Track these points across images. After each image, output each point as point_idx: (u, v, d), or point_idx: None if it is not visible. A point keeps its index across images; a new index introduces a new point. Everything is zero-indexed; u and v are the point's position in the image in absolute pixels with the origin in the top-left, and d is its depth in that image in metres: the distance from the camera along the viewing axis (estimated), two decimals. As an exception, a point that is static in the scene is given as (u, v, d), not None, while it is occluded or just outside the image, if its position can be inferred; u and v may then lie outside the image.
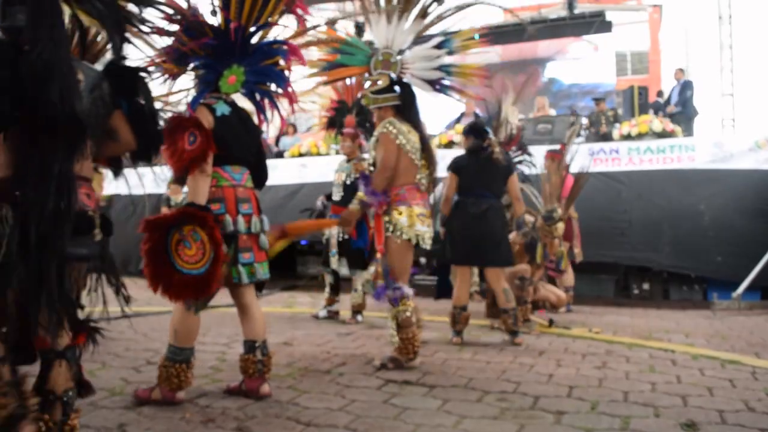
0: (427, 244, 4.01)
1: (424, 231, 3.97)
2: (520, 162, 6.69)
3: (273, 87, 3.41)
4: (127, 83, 2.27)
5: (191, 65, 3.23)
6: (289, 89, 3.40)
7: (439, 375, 3.74)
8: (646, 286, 8.43)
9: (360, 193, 4.07)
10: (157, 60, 3.09)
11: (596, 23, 15.02)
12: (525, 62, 16.85)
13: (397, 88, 4.10)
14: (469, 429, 2.74)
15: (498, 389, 3.41)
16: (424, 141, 4.11)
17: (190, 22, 3.06)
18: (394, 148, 3.92)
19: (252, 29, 3.19)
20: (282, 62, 3.37)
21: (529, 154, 6.76)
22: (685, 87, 11.14)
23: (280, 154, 10.92)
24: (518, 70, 16.87)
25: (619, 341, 4.96)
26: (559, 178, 5.46)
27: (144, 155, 2.46)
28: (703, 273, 7.90)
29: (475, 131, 5.14)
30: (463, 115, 11.48)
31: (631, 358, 4.28)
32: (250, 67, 3.27)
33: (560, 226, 5.31)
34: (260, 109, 3.43)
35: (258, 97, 3.40)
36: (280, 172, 9.25)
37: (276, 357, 4.14)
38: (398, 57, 4.14)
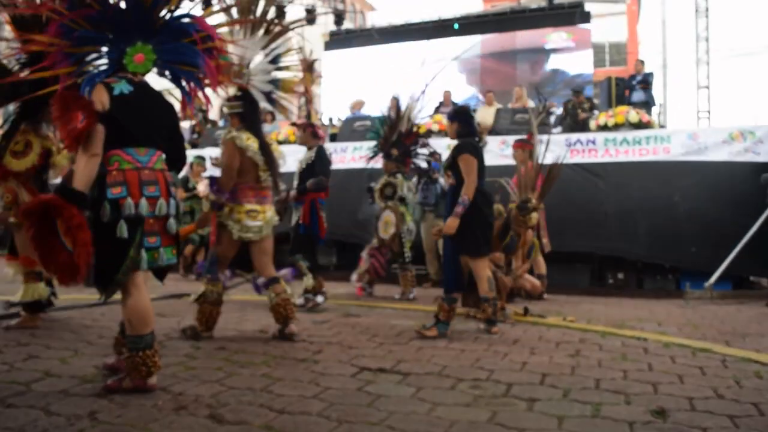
0: (254, 237, 4.42)
1: (252, 225, 4.41)
2: (417, 155, 7.10)
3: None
4: None
5: (85, 42, 3.10)
6: (207, 68, 3.28)
7: (413, 363, 3.75)
8: (620, 275, 8.54)
9: (210, 194, 4.42)
10: (47, 38, 3.00)
11: (576, 14, 15.11)
12: (504, 53, 16.87)
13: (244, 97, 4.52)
14: (442, 416, 2.75)
15: (471, 377, 3.43)
16: (263, 146, 4.43)
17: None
18: (234, 153, 4.33)
19: (151, 3, 3.11)
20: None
21: (431, 148, 7.21)
22: (646, 79, 11.19)
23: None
24: (498, 60, 16.92)
25: (592, 330, 5.02)
26: (533, 168, 5.48)
27: None
28: (677, 263, 8.03)
29: (463, 115, 5.03)
30: (441, 104, 11.50)
31: (604, 346, 4.33)
32: (160, 45, 3.20)
33: (534, 216, 5.34)
34: (182, 90, 3.34)
35: (181, 77, 3.31)
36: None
37: (252, 345, 4.18)
38: (248, 69, 4.53)
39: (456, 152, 4.78)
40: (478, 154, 4.77)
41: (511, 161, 7.39)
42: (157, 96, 3.26)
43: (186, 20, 3.26)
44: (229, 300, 6.48)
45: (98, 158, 2.92)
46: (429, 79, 7.24)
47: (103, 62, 3.18)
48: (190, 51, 3.23)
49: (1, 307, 5.16)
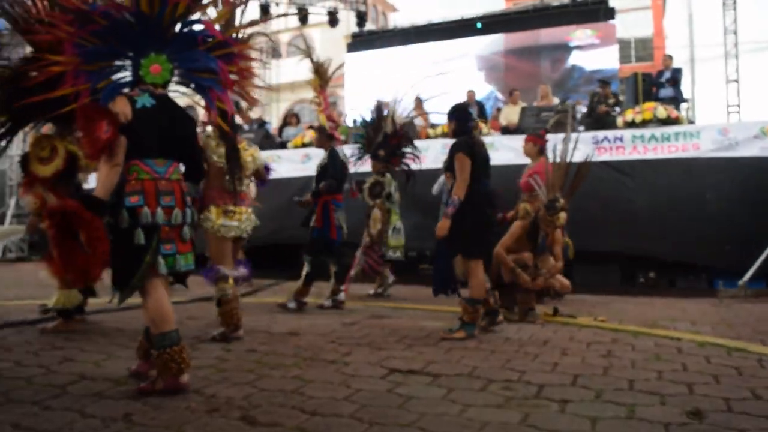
0: (230, 234, 4.62)
1: (231, 224, 4.62)
2: (404, 155, 7.18)
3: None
4: None
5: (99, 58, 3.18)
6: (221, 72, 3.33)
7: (443, 364, 3.74)
8: (651, 274, 8.42)
9: None
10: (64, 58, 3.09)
11: (600, 10, 14.96)
12: (524, 50, 16.74)
13: None
14: (473, 417, 2.74)
15: (502, 378, 3.40)
16: (231, 151, 4.22)
17: (74, 11, 3.08)
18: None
19: (158, 14, 3.17)
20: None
21: (415, 147, 7.27)
22: (674, 76, 11.00)
23: (283, 145, 10.92)
24: (518, 57, 16.79)
25: (624, 330, 4.95)
26: (562, 166, 5.43)
27: None
28: (709, 262, 7.89)
29: (460, 113, 4.96)
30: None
31: (636, 347, 4.28)
32: (175, 54, 3.28)
33: (562, 216, 5.28)
34: (206, 99, 3.40)
35: (201, 84, 3.37)
36: (283, 164, 9.27)
37: (281, 347, 4.20)
38: None
39: (451, 151, 4.74)
40: (475, 153, 4.68)
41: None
42: (177, 109, 3.34)
43: (196, 27, 3.34)
44: (260, 302, 6.59)
45: (119, 168, 3.03)
46: (415, 81, 7.43)
47: (124, 75, 3.26)
48: (204, 57, 3.31)
49: (37, 311, 5.27)
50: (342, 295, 6.24)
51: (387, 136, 7.13)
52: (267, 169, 5.16)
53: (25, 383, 3.25)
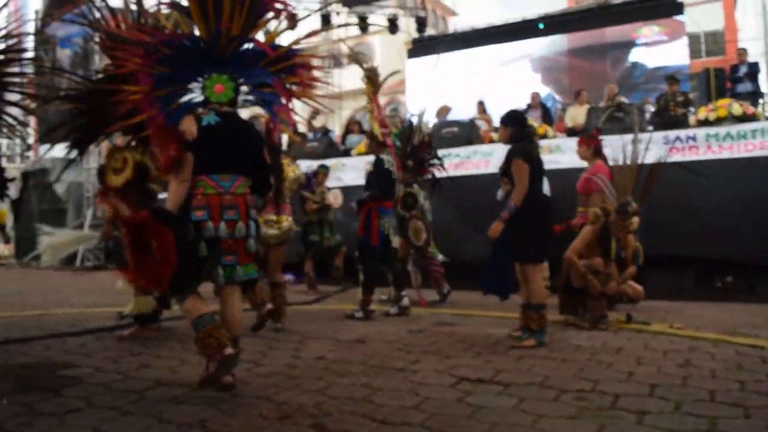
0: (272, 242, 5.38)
1: (271, 233, 5.33)
2: (432, 165, 7.04)
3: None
4: None
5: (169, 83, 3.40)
6: (278, 86, 3.50)
7: (513, 373, 3.67)
8: (729, 278, 8.07)
9: None
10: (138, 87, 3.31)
11: (667, 5, 14.50)
12: (592, 48, 16.40)
13: None
14: (546, 429, 2.68)
15: (575, 387, 3.32)
16: (275, 165, 4.26)
17: (141, 44, 3.33)
18: None
19: (215, 37, 3.37)
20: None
21: (439, 158, 7.16)
22: (752, 70, 10.51)
23: (346, 152, 10.99)
24: (585, 56, 16.46)
25: (702, 337, 4.76)
26: (633, 168, 5.28)
27: None
28: (792, 265, 7.50)
29: (517, 119, 4.91)
30: (530, 106, 11.30)
31: (716, 355, 4.10)
32: (235, 73, 3.44)
33: (635, 220, 5.13)
34: (270, 113, 3.56)
35: (267, 100, 3.53)
36: (347, 171, 9.32)
37: (349, 354, 4.22)
38: None
39: (509, 157, 4.69)
40: (532, 159, 4.62)
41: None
42: (243, 126, 3.50)
43: (250, 46, 3.50)
44: (326, 309, 6.65)
45: (187, 183, 3.23)
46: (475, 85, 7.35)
47: (194, 96, 3.45)
48: (261, 73, 3.47)
49: (114, 318, 5.47)
50: (406, 300, 6.24)
51: (414, 146, 7.08)
52: (309, 180, 5.44)
53: (104, 389, 3.37)
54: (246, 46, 3.51)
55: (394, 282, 6.36)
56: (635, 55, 15.88)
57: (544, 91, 16.49)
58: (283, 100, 3.56)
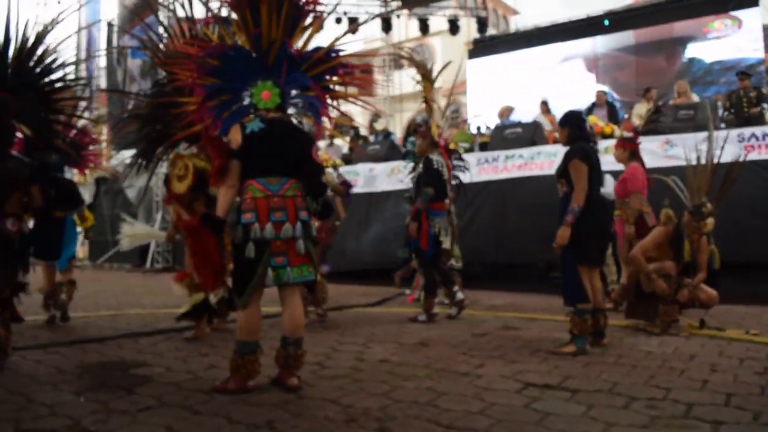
0: None
1: None
2: (454, 167, 6.80)
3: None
4: None
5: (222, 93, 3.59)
6: (315, 88, 3.60)
7: (581, 379, 3.59)
8: (810, 282, 7.64)
9: None
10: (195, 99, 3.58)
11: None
12: (661, 43, 15.91)
13: None
14: (618, 437, 2.61)
15: (646, 395, 3.22)
16: None
17: (193, 58, 3.52)
18: None
19: (267, 46, 3.53)
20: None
21: (462, 160, 7.00)
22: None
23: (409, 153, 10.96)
24: (653, 51, 15.97)
25: (781, 344, 4.54)
26: (708, 168, 5.08)
27: None
28: None
29: (573, 119, 4.81)
30: (595, 105, 11.04)
31: (797, 364, 3.91)
32: (279, 79, 3.54)
33: (710, 222, 4.93)
34: (314, 115, 3.68)
35: (310, 103, 3.66)
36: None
37: (413, 357, 4.22)
38: None
39: (566, 158, 4.57)
40: (590, 160, 4.50)
41: (677, 162, 6.91)
42: (288, 129, 3.58)
43: (289, 52, 3.61)
44: (388, 312, 6.66)
45: (234, 189, 3.38)
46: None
47: (242, 105, 3.61)
48: (301, 77, 3.59)
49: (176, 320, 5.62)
50: (460, 295, 6.13)
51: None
52: (347, 186, 5.93)
53: (175, 388, 3.47)
54: (287, 51, 3.60)
55: (443, 282, 6.25)
56: (697, 50, 15.36)
57: (592, 89, 16.14)
58: (323, 102, 3.68)
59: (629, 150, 6.06)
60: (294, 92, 3.66)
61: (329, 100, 3.76)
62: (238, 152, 3.36)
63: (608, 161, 7.91)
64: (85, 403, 3.16)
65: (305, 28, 3.67)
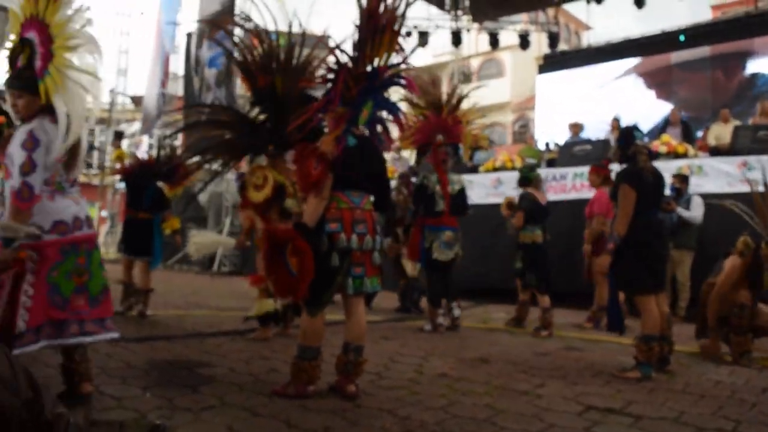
0: None
1: None
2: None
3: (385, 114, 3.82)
4: None
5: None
6: (400, 116, 3.84)
7: (645, 405, 3.48)
8: None
9: None
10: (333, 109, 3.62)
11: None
12: (734, 54, 15.31)
13: None
14: (682, 468, 2.52)
15: (714, 426, 3.10)
16: None
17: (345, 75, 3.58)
18: None
19: (383, 67, 3.63)
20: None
21: None
22: None
23: (474, 169, 10.92)
24: (725, 64, 15.41)
25: None
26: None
27: None
28: None
29: (624, 137, 4.60)
30: (668, 123, 10.74)
31: None
32: (376, 101, 3.66)
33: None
34: (375, 135, 3.78)
35: (374, 123, 3.77)
36: (474, 189, 9.23)
37: (472, 373, 4.19)
38: None
39: (616, 181, 4.46)
40: (642, 183, 4.32)
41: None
42: (373, 147, 3.72)
43: (395, 79, 3.75)
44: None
45: (326, 201, 3.44)
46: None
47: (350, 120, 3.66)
48: (392, 105, 3.76)
49: (243, 321, 5.76)
50: (457, 311, 6.30)
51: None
52: None
53: (237, 389, 3.56)
54: (388, 76, 3.72)
55: (447, 294, 6.39)
56: (756, 66, 14.82)
57: (661, 106, 15.66)
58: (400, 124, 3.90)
59: (602, 175, 6.55)
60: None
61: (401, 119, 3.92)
62: (333, 164, 3.44)
63: (694, 183, 7.73)
64: (151, 398, 3.27)
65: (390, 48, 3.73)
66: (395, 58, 3.69)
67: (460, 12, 17.86)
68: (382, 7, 3.52)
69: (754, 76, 14.99)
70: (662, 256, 4.55)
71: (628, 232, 4.31)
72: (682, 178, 7.64)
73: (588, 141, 10.36)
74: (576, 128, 11.50)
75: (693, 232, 7.50)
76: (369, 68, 3.60)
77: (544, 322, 6.15)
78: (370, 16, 3.52)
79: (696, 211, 7.43)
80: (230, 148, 5.21)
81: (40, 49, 2.98)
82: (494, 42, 18.38)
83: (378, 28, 3.52)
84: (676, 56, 15.97)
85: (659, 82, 16.36)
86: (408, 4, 3.61)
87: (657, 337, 4.27)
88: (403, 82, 3.78)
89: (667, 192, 6.76)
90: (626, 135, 4.60)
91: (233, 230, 14.26)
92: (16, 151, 2.87)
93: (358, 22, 3.56)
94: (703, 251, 7.31)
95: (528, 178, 6.67)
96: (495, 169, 10.26)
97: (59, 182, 3.06)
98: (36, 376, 2.18)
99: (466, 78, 22.01)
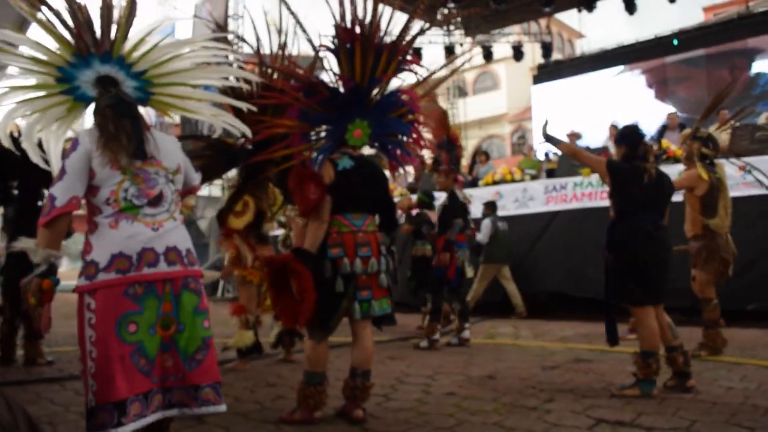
0: None
1: None
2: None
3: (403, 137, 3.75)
4: None
5: (317, 123, 3.65)
6: (414, 136, 3.74)
7: (656, 416, 3.43)
8: None
9: None
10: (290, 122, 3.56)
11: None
12: (733, 53, 15.33)
13: None
14: (697, 481, 2.47)
15: (728, 435, 3.05)
16: None
17: (307, 84, 3.53)
18: None
19: (367, 85, 3.53)
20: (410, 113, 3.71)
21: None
22: None
23: (474, 183, 10.92)
24: (723, 63, 15.44)
25: None
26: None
27: None
28: None
29: (628, 137, 4.26)
30: (666, 127, 10.74)
31: None
32: (374, 120, 3.60)
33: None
34: (393, 159, 3.77)
35: (390, 147, 3.74)
36: (475, 202, 9.20)
37: (480, 391, 4.14)
38: None
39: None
40: (641, 183, 4.08)
41: (756, 190, 6.63)
42: (372, 167, 3.68)
43: (395, 97, 3.66)
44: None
45: (326, 224, 3.40)
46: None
47: (328, 138, 3.65)
48: (397, 124, 3.67)
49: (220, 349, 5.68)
50: (467, 333, 6.34)
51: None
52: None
53: (243, 418, 3.53)
54: (385, 94, 3.67)
55: (460, 313, 6.49)
56: (761, 65, 14.87)
57: (660, 107, 15.68)
58: (409, 150, 3.80)
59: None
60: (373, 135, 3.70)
61: (413, 144, 3.83)
62: (330, 187, 3.41)
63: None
64: None
65: (397, 73, 3.71)
66: (393, 78, 3.66)
67: (452, 27, 17.96)
68: (357, 26, 3.47)
69: (758, 75, 15.01)
70: (656, 265, 4.08)
71: (610, 236, 4.13)
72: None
73: (586, 149, 10.32)
74: (574, 137, 11.49)
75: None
76: (351, 85, 3.52)
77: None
78: (345, 32, 3.49)
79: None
80: (208, 170, 5.13)
81: None
82: (488, 55, 18.45)
83: (364, 45, 3.47)
84: (686, 58, 16.01)
85: (669, 84, 16.39)
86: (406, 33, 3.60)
87: (656, 353, 4.02)
88: (404, 98, 3.65)
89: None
90: (632, 133, 4.28)
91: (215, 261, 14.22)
92: None
93: (331, 39, 3.55)
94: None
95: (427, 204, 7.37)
96: (494, 183, 10.25)
97: (129, 200, 2.45)
98: (40, 414, 2.16)
99: (461, 92, 22.10)
